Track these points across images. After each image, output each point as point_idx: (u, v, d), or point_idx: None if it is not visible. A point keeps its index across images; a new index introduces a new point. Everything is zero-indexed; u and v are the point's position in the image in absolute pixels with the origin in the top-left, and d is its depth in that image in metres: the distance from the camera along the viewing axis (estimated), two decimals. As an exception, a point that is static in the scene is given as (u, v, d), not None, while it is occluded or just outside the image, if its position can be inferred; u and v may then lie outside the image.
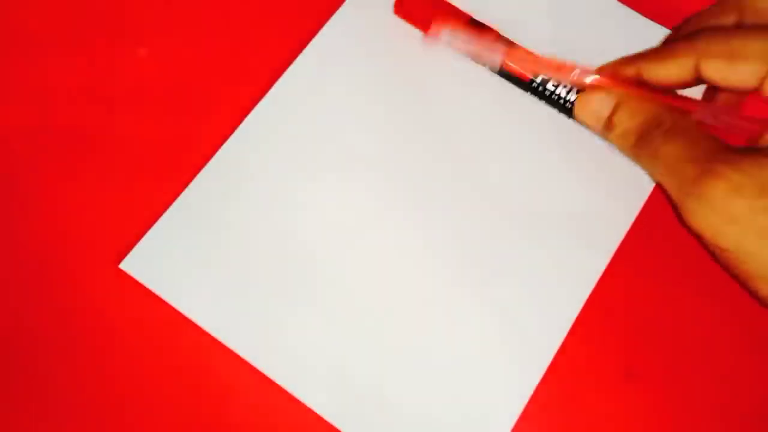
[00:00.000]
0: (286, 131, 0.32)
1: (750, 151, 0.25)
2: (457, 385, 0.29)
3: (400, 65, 0.33)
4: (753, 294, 0.26)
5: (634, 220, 0.32)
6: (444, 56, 0.33)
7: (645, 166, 0.28)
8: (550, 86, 0.31)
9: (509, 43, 0.31)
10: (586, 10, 0.35)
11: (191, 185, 0.31)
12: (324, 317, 0.30)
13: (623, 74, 0.29)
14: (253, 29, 0.34)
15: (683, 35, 0.28)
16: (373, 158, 0.32)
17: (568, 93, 0.31)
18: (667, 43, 0.29)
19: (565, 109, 0.31)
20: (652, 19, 0.35)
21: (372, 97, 0.33)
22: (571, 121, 0.32)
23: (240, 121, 0.32)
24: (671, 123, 0.27)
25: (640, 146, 0.28)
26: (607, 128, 0.29)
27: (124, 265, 0.30)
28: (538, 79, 0.31)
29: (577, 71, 0.29)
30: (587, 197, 0.31)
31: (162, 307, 0.30)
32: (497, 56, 0.31)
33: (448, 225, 0.31)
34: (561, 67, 0.30)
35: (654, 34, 0.35)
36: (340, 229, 0.31)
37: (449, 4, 0.32)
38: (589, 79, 0.29)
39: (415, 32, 0.33)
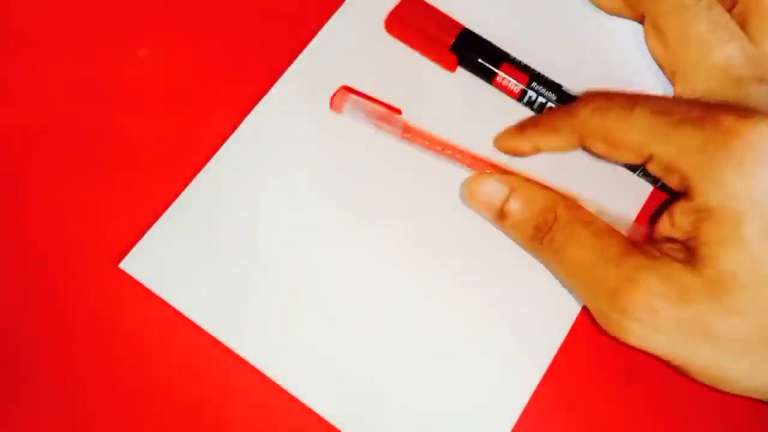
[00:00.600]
0: (286, 131, 0.32)
1: (658, 252, 0.25)
2: (457, 385, 0.29)
3: (401, 64, 0.33)
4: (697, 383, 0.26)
5: (633, 221, 0.32)
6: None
7: (548, 266, 0.28)
8: (540, 101, 0.32)
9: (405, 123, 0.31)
10: (584, 13, 0.35)
11: (191, 185, 0.31)
12: (324, 317, 0.30)
13: (521, 150, 0.29)
14: (253, 29, 0.34)
15: (565, 108, 0.28)
16: (373, 159, 0.32)
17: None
18: (552, 112, 0.29)
19: None
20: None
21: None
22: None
23: (240, 121, 0.32)
24: (569, 216, 0.27)
25: (538, 241, 0.27)
26: (500, 218, 0.28)
27: (123, 265, 0.30)
28: (526, 98, 0.32)
29: (467, 157, 0.30)
30: (588, 199, 0.31)
31: (162, 307, 0.30)
32: (396, 131, 0.31)
33: (448, 224, 0.31)
34: (454, 149, 0.30)
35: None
36: (341, 228, 0.31)
37: (443, 15, 0.33)
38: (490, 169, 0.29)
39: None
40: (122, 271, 0.30)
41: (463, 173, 0.32)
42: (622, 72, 0.33)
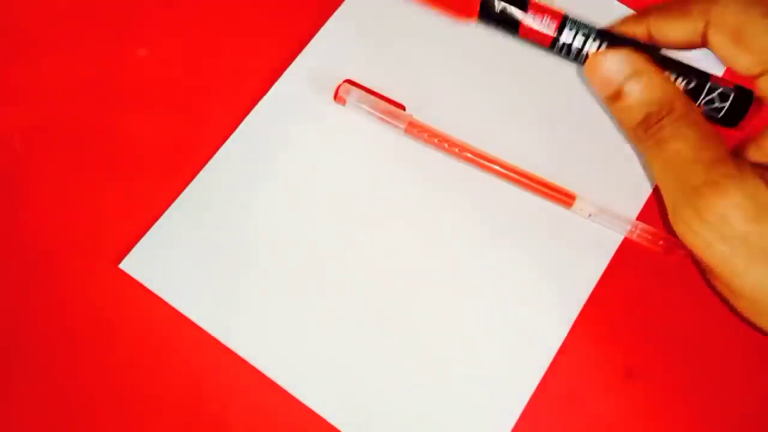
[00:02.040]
0: (285, 131, 0.32)
1: (754, 169, 0.25)
2: (457, 385, 0.29)
3: (403, 64, 0.33)
4: (733, 310, 0.26)
5: (638, 214, 0.32)
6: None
7: (644, 152, 0.27)
8: (575, 46, 0.28)
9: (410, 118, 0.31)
10: (587, 10, 0.35)
11: (191, 185, 0.31)
12: (324, 317, 0.30)
13: (633, 32, 0.27)
14: (253, 29, 0.34)
15: None
16: (375, 156, 0.32)
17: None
18: None
19: None
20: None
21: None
22: (571, 116, 0.32)
23: (240, 121, 0.32)
24: (682, 111, 0.26)
25: (644, 128, 0.26)
26: (614, 97, 0.27)
27: (123, 265, 0.30)
28: (560, 42, 0.28)
29: (468, 153, 0.31)
30: (587, 199, 0.31)
31: (162, 307, 0.30)
32: (401, 124, 0.31)
33: (448, 224, 0.31)
34: (457, 145, 0.30)
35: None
36: (341, 228, 0.31)
37: None
38: (492, 166, 0.30)
39: (424, 17, 0.33)
40: (122, 271, 0.30)
41: (465, 172, 0.32)
42: None
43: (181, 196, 0.31)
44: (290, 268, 0.30)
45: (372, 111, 0.31)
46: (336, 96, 0.32)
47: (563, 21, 0.28)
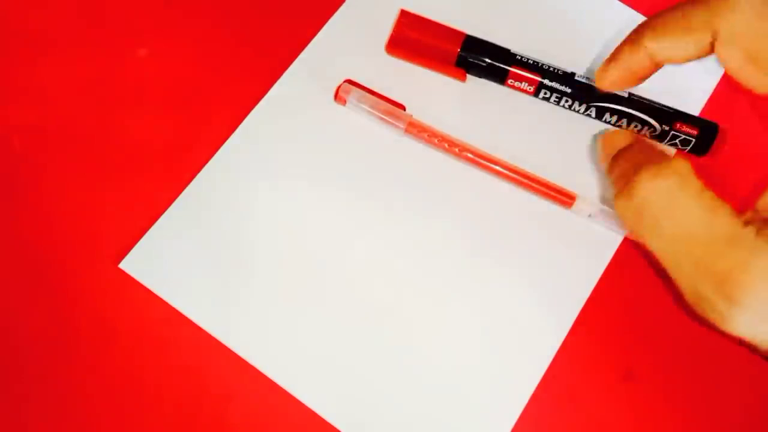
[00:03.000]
0: (285, 131, 0.32)
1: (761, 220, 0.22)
2: (457, 385, 0.29)
3: (402, 64, 0.33)
4: None
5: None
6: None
7: (640, 231, 0.23)
8: (555, 97, 0.32)
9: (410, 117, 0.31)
10: (587, 11, 0.35)
11: (191, 185, 0.31)
12: (324, 317, 0.30)
13: (632, 62, 0.25)
14: (252, 29, 0.34)
15: (702, 1, 0.23)
16: (375, 157, 0.32)
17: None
18: (677, 6, 0.24)
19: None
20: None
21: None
22: (573, 136, 0.32)
23: (240, 121, 0.32)
24: (681, 180, 0.22)
25: (628, 194, 0.23)
26: (612, 165, 0.26)
27: (123, 265, 0.30)
28: (541, 95, 0.32)
29: (468, 152, 0.31)
30: (588, 198, 0.31)
31: (162, 307, 0.29)
32: (401, 124, 0.31)
33: (448, 224, 0.31)
34: (457, 145, 0.31)
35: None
36: (340, 228, 0.31)
37: (442, 26, 0.32)
38: (492, 165, 0.30)
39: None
40: (122, 271, 0.30)
41: (465, 172, 0.32)
42: None
43: (181, 196, 0.31)
44: (290, 268, 0.30)
45: (372, 111, 0.31)
46: (336, 96, 0.32)
47: (539, 86, 0.32)
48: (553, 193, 0.31)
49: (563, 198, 0.31)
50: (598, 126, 0.32)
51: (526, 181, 0.31)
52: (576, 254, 0.31)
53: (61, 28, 0.34)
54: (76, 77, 0.33)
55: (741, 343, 0.23)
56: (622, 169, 0.25)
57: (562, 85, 0.31)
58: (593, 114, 0.32)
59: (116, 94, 0.33)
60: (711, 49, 0.24)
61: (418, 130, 0.31)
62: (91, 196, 0.31)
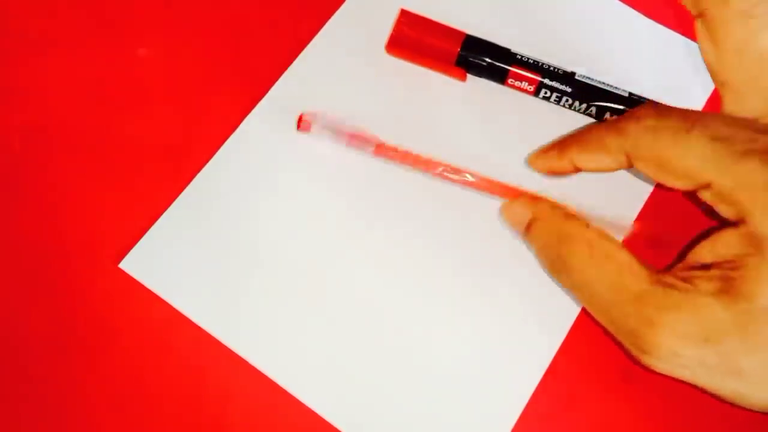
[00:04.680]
0: (286, 131, 0.32)
1: (683, 284, 0.24)
2: (457, 386, 0.29)
3: (406, 63, 0.33)
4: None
5: (634, 221, 0.32)
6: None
7: (572, 296, 0.28)
8: (555, 96, 0.32)
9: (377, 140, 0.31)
10: (587, 11, 0.35)
11: (191, 185, 0.31)
12: (324, 317, 0.30)
13: (559, 170, 0.28)
14: (253, 29, 0.34)
15: (612, 123, 0.26)
16: (376, 158, 0.32)
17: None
18: (597, 128, 0.27)
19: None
20: (653, 19, 0.35)
21: (373, 96, 0.33)
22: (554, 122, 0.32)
23: (240, 121, 0.32)
24: (589, 251, 0.25)
25: (556, 271, 0.26)
26: (526, 239, 0.28)
27: (123, 265, 0.30)
28: (541, 94, 0.32)
29: (440, 168, 0.30)
30: (586, 200, 0.31)
31: (162, 307, 0.30)
32: (369, 147, 0.31)
33: (447, 225, 0.31)
34: (428, 163, 0.30)
35: (655, 33, 0.35)
36: (341, 228, 0.31)
37: (442, 26, 0.32)
38: (465, 177, 0.30)
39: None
40: (122, 271, 0.30)
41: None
42: (624, 55, 0.33)
43: (181, 196, 0.31)
44: (290, 268, 0.30)
45: (338, 138, 0.31)
46: (299, 126, 0.31)
47: (539, 86, 0.32)
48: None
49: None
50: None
51: (500, 191, 0.30)
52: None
53: (61, 28, 0.34)
54: (76, 77, 0.33)
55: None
56: (539, 244, 0.27)
57: (562, 84, 0.31)
58: (593, 113, 0.32)
59: (116, 94, 0.33)
60: (629, 164, 0.26)
61: (386, 152, 0.30)
62: (91, 196, 0.31)
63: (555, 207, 0.28)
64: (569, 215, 0.27)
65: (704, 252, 0.25)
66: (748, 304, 0.22)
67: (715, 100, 0.33)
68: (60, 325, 0.29)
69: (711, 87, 0.33)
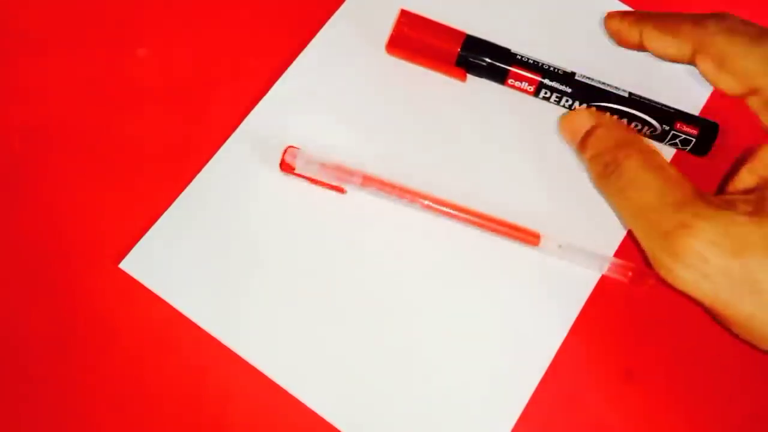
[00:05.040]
0: (286, 131, 0.32)
1: (723, 203, 0.25)
2: (457, 386, 0.29)
3: (406, 63, 0.33)
4: (735, 337, 0.26)
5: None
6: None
7: (610, 202, 0.28)
8: (555, 96, 0.32)
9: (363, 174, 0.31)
10: (587, 11, 0.35)
11: (191, 185, 0.31)
12: (324, 317, 0.30)
13: (626, 36, 0.30)
14: (253, 29, 0.34)
15: (695, 15, 0.28)
16: (376, 156, 0.32)
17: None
18: (677, 16, 0.29)
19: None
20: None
21: (373, 96, 0.33)
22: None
23: (240, 121, 0.32)
24: (640, 159, 0.27)
25: (605, 176, 0.27)
26: (581, 148, 0.29)
27: (123, 265, 0.30)
28: (541, 95, 0.32)
29: (426, 201, 0.30)
30: (585, 200, 0.31)
31: (162, 307, 0.30)
32: (357, 179, 0.30)
33: (448, 225, 0.31)
34: (413, 194, 0.30)
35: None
36: (341, 228, 0.31)
37: (443, 26, 0.32)
38: (451, 211, 0.30)
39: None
40: (122, 271, 0.30)
41: (464, 178, 0.32)
42: (624, 55, 0.33)
43: (181, 196, 0.31)
44: (290, 268, 0.30)
45: (320, 179, 0.31)
46: (282, 167, 0.31)
47: (539, 86, 0.32)
48: (518, 234, 0.30)
49: (529, 238, 0.30)
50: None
51: (488, 224, 0.30)
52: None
53: (61, 28, 0.34)
54: (76, 77, 0.33)
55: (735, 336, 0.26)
56: (595, 150, 0.28)
57: (562, 84, 0.31)
58: None
59: (116, 94, 0.33)
60: (690, 59, 0.28)
61: (372, 183, 0.30)
62: (91, 196, 0.31)
63: (616, 119, 0.30)
64: (629, 127, 0.29)
65: (744, 176, 0.27)
66: None
67: (714, 99, 0.33)
68: (60, 325, 0.29)
69: (711, 88, 0.33)
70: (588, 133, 0.29)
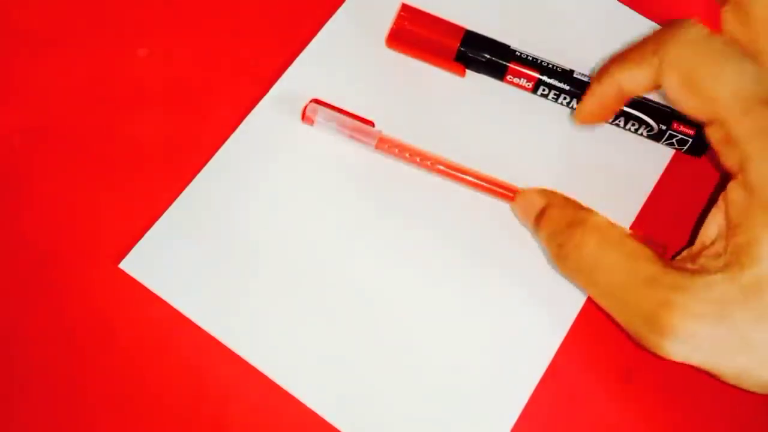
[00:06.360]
0: (286, 131, 0.32)
1: (696, 267, 0.24)
2: (456, 385, 0.29)
3: (406, 64, 0.33)
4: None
5: (633, 221, 0.32)
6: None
7: (576, 282, 0.27)
8: (553, 94, 0.32)
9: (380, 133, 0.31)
10: (586, 10, 0.35)
11: (191, 185, 0.31)
12: (324, 317, 0.30)
13: (606, 94, 0.27)
14: (253, 29, 0.34)
15: (656, 30, 0.26)
16: (376, 156, 0.32)
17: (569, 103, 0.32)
18: (637, 41, 0.27)
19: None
20: (652, 19, 0.35)
21: (373, 89, 0.33)
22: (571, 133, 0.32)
23: (240, 121, 0.32)
24: (598, 237, 0.25)
25: (564, 256, 0.26)
26: (534, 229, 0.29)
27: (123, 265, 0.30)
28: (539, 92, 0.32)
29: (441, 166, 0.30)
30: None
31: (162, 307, 0.29)
32: (371, 140, 0.31)
33: (448, 223, 0.31)
34: (428, 158, 0.30)
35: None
36: (341, 228, 0.31)
37: (443, 21, 0.32)
38: (466, 177, 0.30)
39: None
40: (122, 271, 0.30)
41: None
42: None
43: (181, 196, 0.31)
44: (290, 268, 0.30)
45: (340, 129, 0.31)
46: (303, 117, 0.31)
47: (537, 83, 0.32)
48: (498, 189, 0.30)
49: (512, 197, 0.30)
50: (597, 124, 0.32)
51: (501, 191, 0.30)
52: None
53: (61, 28, 0.34)
54: (76, 77, 0.33)
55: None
56: (549, 231, 0.27)
57: (560, 82, 0.31)
58: None
59: (116, 94, 0.33)
60: (658, 80, 0.26)
61: (389, 146, 0.30)
62: (91, 196, 0.31)
63: (567, 198, 0.28)
64: (581, 205, 0.28)
65: (709, 228, 0.26)
66: (751, 270, 0.23)
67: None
68: (59, 325, 0.29)
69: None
70: (540, 214, 0.28)
